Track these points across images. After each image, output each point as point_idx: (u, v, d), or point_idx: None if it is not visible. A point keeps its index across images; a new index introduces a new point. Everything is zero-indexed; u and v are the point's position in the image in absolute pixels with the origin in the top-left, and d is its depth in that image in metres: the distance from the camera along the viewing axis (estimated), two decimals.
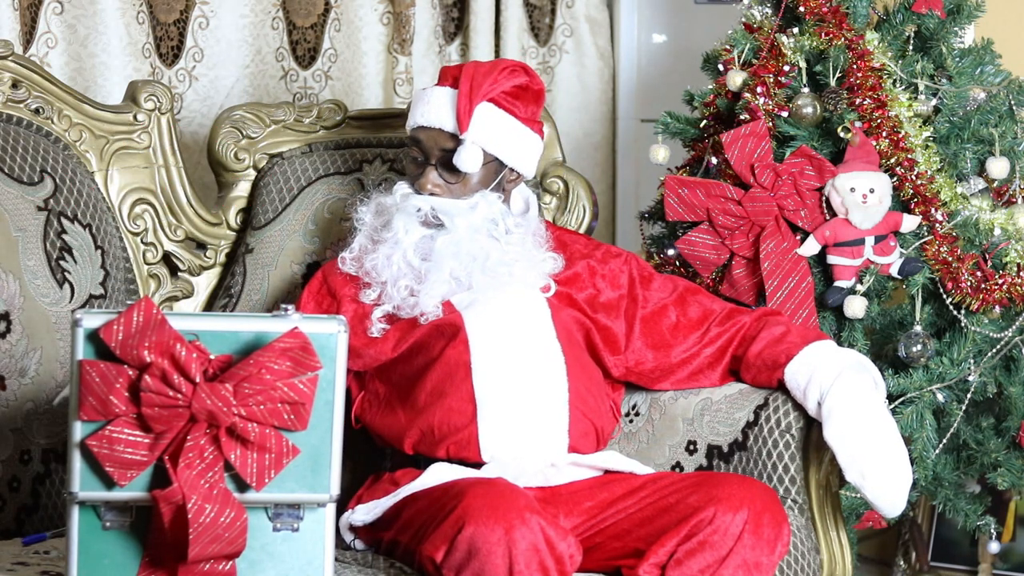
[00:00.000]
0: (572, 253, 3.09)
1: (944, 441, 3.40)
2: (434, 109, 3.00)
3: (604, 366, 3.09)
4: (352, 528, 2.93)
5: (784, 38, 3.43)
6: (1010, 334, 3.38)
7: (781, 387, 3.00)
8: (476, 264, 2.96)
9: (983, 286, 3.34)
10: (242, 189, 3.44)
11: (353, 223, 3.07)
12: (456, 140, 2.97)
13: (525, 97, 3.04)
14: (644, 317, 3.10)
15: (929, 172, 3.36)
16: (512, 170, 3.04)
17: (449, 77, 3.03)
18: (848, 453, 2.83)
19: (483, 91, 2.98)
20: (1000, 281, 3.34)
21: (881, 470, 2.82)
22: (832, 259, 3.38)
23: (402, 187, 3.02)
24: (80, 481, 2.39)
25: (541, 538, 2.56)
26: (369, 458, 3.13)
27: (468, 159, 2.96)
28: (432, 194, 2.98)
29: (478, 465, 2.89)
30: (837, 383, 2.89)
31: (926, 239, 3.38)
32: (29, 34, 3.70)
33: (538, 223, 3.08)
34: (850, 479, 2.84)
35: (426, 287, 2.96)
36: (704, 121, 3.56)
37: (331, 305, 3.04)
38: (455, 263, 2.96)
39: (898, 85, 3.41)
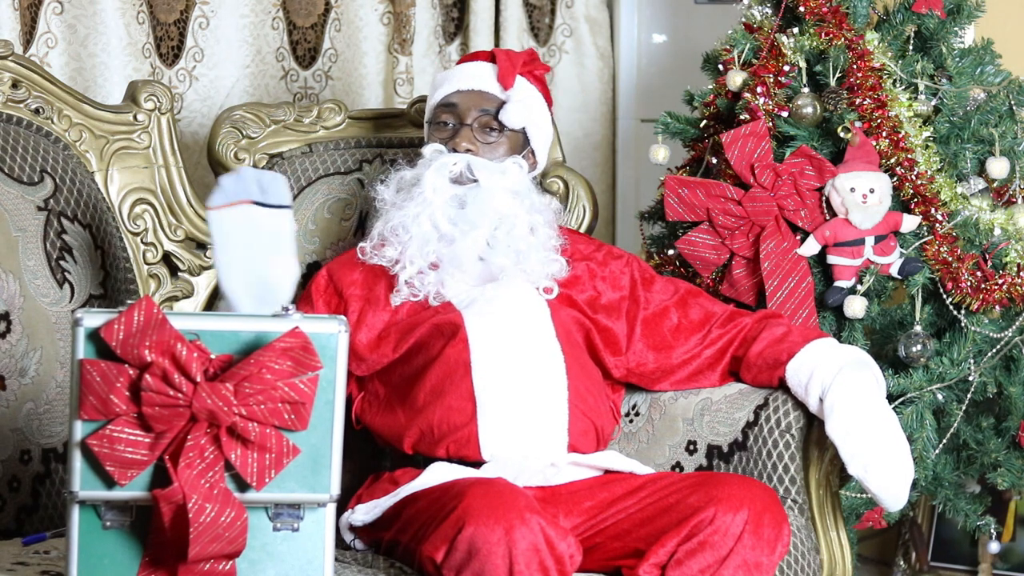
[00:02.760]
0: (573, 254, 3.10)
1: (944, 441, 3.40)
2: (474, 74, 3.09)
3: (605, 367, 3.09)
4: (352, 528, 2.93)
5: (784, 38, 3.43)
6: (1010, 334, 3.38)
7: (782, 386, 3.00)
8: (504, 226, 2.98)
9: (983, 286, 3.34)
10: None
11: (375, 206, 3.08)
12: (496, 101, 3.05)
13: (546, 86, 3.16)
14: (646, 319, 3.11)
15: (929, 172, 3.36)
16: (532, 152, 3.10)
17: (479, 56, 3.13)
18: (851, 447, 2.84)
19: (522, 61, 3.09)
20: (1000, 281, 3.34)
21: (884, 463, 2.83)
22: (832, 259, 3.38)
23: (431, 147, 3.05)
24: (80, 480, 2.39)
25: (541, 538, 2.56)
26: (369, 458, 3.13)
27: (515, 114, 3.04)
28: (468, 152, 3.01)
29: (478, 464, 2.90)
30: (838, 378, 2.89)
31: (926, 239, 3.38)
32: (29, 34, 3.70)
33: (556, 216, 3.10)
34: (853, 472, 2.84)
35: (465, 242, 2.96)
36: (704, 121, 3.56)
37: (338, 305, 3.04)
38: (487, 221, 2.97)
39: (898, 85, 3.41)
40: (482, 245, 2.98)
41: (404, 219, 2.98)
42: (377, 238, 3.04)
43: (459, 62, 3.18)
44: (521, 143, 3.09)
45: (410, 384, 2.98)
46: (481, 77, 3.09)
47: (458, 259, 2.97)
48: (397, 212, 3.00)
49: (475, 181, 2.99)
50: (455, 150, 3.02)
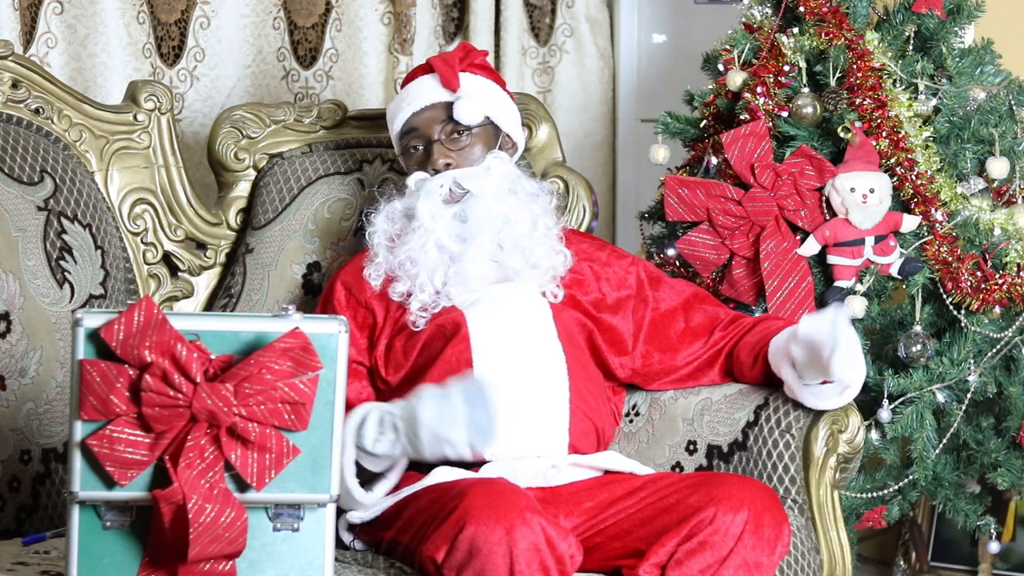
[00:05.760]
0: (576, 254, 3.10)
1: (944, 441, 3.40)
2: (421, 91, 3.09)
3: (609, 368, 3.09)
4: (352, 528, 2.93)
5: (784, 38, 3.43)
6: (1010, 334, 3.38)
7: (768, 372, 2.98)
8: (508, 228, 2.98)
9: (983, 286, 3.34)
10: (242, 189, 3.44)
11: (367, 238, 3.06)
12: (450, 108, 3.04)
13: (491, 71, 3.15)
14: (653, 319, 3.10)
15: (929, 172, 3.36)
16: (508, 136, 3.09)
17: (418, 72, 3.13)
18: (820, 336, 2.81)
19: (457, 60, 3.09)
20: (1000, 281, 3.34)
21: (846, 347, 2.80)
22: (832, 259, 3.38)
23: (414, 177, 3.04)
24: (80, 481, 2.39)
25: (542, 538, 2.56)
26: None
27: (467, 109, 3.03)
28: (447, 166, 3.00)
29: (479, 463, 2.89)
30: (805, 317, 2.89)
31: (926, 239, 3.38)
32: (29, 34, 3.71)
33: (551, 197, 3.10)
34: (825, 357, 2.80)
35: (469, 254, 2.96)
36: (704, 121, 3.56)
37: (367, 316, 3.03)
38: (491, 228, 2.97)
39: (898, 85, 3.41)
40: (489, 249, 2.98)
41: (411, 252, 2.98)
42: (376, 277, 3.03)
43: (402, 85, 3.17)
44: (492, 134, 3.08)
45: (411, 382, 2.98)
46: (428, 91, 3.08)
47: (464, 275, 2.97)
48: (402, 247, 2.99)
49: (467, 192, 2.99)
50: (435, 170, 3.02)
